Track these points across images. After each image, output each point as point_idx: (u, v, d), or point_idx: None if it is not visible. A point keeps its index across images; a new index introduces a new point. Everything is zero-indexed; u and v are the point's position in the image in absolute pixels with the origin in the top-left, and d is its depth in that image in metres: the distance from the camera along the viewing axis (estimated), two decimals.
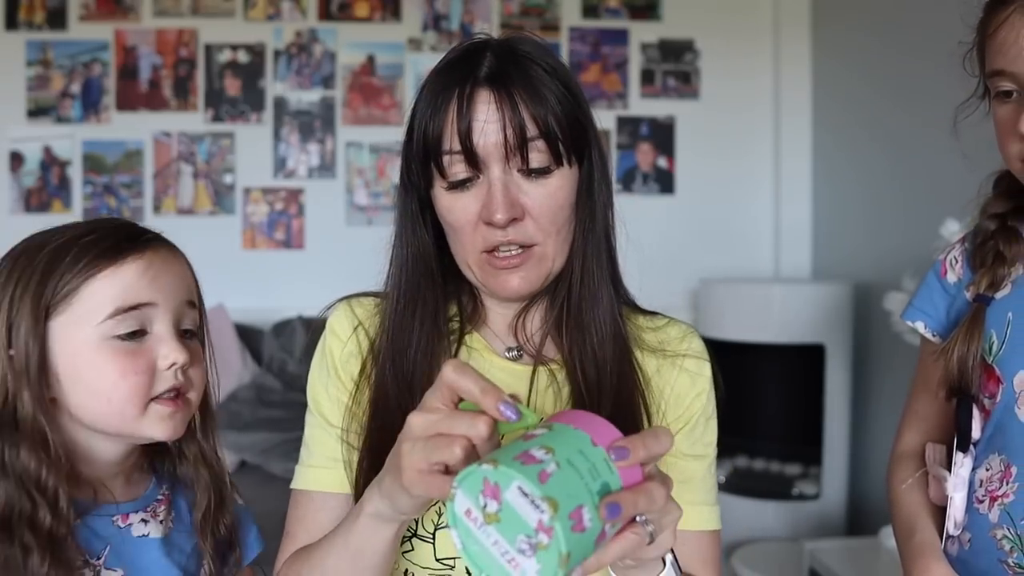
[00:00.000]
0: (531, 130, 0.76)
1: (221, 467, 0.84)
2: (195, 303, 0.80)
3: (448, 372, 0.61)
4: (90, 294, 0.73)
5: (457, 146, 0.76)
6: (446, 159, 0.77)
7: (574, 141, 0.79)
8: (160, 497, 0.82)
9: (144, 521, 0.79)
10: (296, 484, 0.87)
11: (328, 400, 0.86)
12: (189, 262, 0.81)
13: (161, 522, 0.80)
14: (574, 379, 0.82)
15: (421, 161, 0.80)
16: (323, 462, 0.85)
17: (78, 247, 0.73)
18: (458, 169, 0.78)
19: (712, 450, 0.88)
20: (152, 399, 0.75)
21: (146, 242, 0.76)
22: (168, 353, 0.75)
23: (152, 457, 0.84)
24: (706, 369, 0.87)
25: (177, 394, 0.76)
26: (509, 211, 0.76)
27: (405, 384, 0.82)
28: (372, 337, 0.87)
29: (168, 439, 0.78)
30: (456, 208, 0.79)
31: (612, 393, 0.82)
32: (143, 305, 0.74)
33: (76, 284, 0.72)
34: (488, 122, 0.76)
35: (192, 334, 0.79)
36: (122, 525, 0.77)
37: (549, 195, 0.79)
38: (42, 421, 0.71)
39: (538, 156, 0.77)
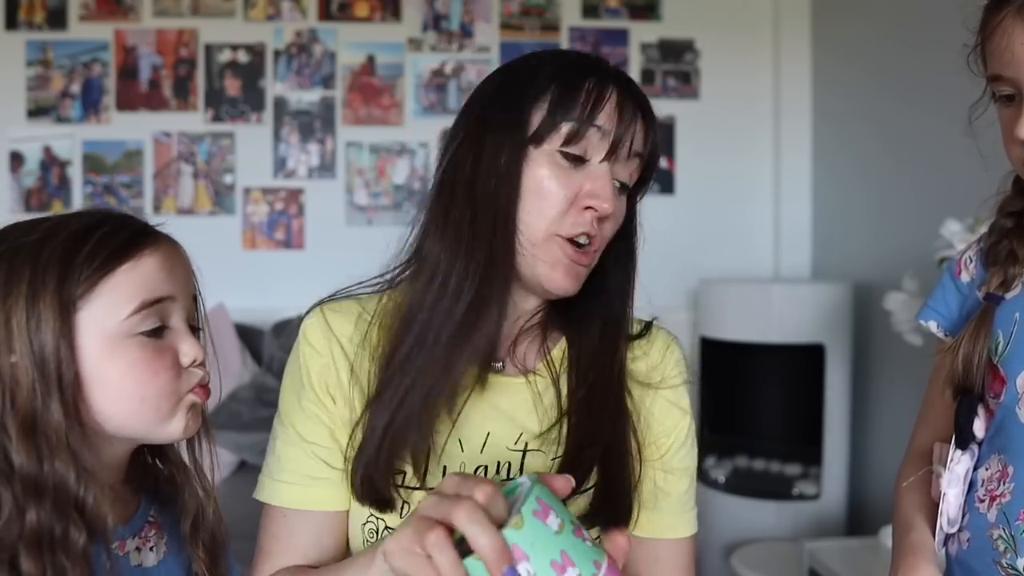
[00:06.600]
0: (646, 148, 0.82)
1: (209, 477, 0.80)
2: (196, 298, 0.77)
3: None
4: (111, 289, 0.68)
5: (610, 126, 0.78)
6: (592, 130, 0.78)
7: (648, 177, 0.85)
8: (151, 519, 0.77)
9: (138, 549, 0.73)
10: (267, 497, 0.83)
11: (302, 414, 0.83)
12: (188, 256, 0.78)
13: (152, 549, 0.74)
14: (571, 388, 0.84)
15: (549, 112, 0.78)
16: (297, 479, 0.82)
17: (95, 239, 0.68)
18: (588, 144, 0.78)
19: (692, 462, 0.89)
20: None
21: (157, 234, 0.73)
22: (188, 350, 0.72)
23: (134, 471, 0.78)
24: (684, 398, 0.89)
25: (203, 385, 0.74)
26: (616, 206, 0.80)
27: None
28: (351, 348, 0.84)
29: (185, 437, 0.74)
30: (560, 178, 0.78)
31: (600, 408, 0.83)
32: (164, 299, 0.71)
33: (96, 278, 0.67)
34: (632, 122, 0.79)
35: (197, 330, 0.76)
36: (119, 553, 0.71)
37: (622, 210, 0.83)
38: (77, 431, 0.65)
39: (632, 173, 0.82)
